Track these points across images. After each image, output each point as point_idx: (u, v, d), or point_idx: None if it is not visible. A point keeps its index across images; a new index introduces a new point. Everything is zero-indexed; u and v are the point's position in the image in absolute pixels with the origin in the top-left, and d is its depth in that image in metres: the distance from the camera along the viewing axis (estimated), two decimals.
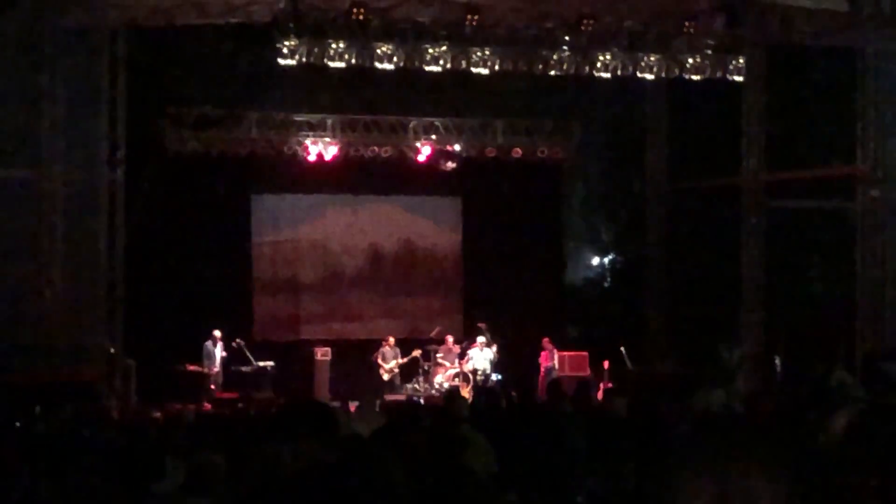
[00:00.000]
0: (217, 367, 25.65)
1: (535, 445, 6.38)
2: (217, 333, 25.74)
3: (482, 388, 24.23)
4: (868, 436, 5.73)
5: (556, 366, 26.55)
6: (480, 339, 26.75)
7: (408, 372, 27.03)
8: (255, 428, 12.39)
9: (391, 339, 27.11)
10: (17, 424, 14.55)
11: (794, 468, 2.12)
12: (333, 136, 27.63)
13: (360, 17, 22.99)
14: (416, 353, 26.86)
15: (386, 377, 26.71)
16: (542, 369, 26.50)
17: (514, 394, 16.03)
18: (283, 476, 4.62)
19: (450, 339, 27.24)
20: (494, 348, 26.67)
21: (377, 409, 16.66)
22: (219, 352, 25.70)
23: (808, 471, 4.88)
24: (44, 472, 7.33)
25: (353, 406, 17.37)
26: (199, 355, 25.54)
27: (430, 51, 24.43)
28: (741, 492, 2.22)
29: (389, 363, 26.80)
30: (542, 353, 26.98)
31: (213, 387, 25.45)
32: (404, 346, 27.14)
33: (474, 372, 26.42)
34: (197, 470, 7.66)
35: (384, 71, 24.58)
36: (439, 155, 28.19)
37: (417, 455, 5.92)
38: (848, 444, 5.75)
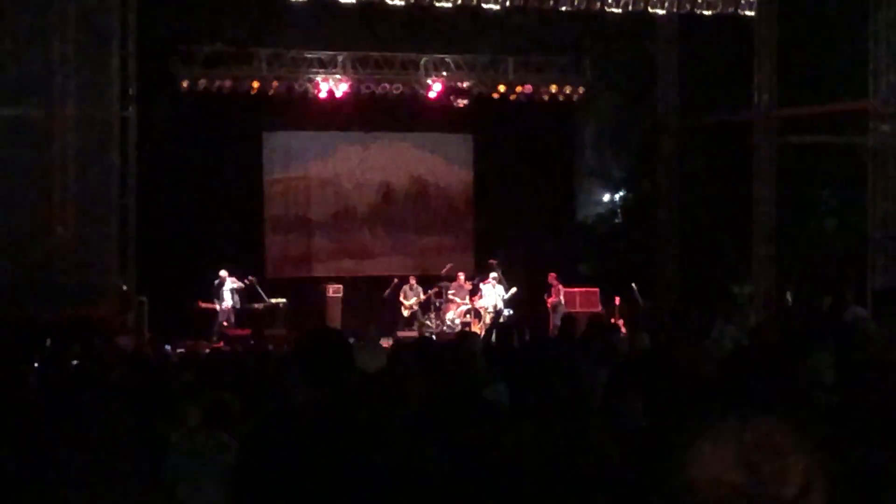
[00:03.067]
0: (227, 304, 25.72)
1: (549, 381, 6.39)
2: (223, 273, 25.76)
3: (494, 324, 24.29)
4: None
5: (563, 301, 26.55)
6: (493, 275, 26.78)
7: (420, 309, 27.15)
8: (269, 363, 12.45)
9: (413, 279, 27.23)
10: (35, 363, 14.60)
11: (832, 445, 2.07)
12: (344, 73, 27.54)
13: None
14: (435, 289, 27.00)
15: (406, 314, 26.88)
16: (549, 305, 26.55)
17: (525, 330, 16.07)
18: (295, 411, 4.64)
19: (461, 276, 27.27)
20: (514, 289, 26.66)
21: (385, 345, 16.73)
22: (227, 289, 25.74)
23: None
24: (57, 409, 7.38)
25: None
26: (211, 293, 25.65)
27: None
28: (768, 448, 2.16)
29: (410, 300, 26.93)
30: (552, 290, 26.98)
31: (225, 324, 25.58)
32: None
33: (486, 309, 26.52)
34: (212, 409, 7.69)
35: (395, 7, 24.56)
36: (450, 92, 28.12)
37: (433, 390, 5.96)
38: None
